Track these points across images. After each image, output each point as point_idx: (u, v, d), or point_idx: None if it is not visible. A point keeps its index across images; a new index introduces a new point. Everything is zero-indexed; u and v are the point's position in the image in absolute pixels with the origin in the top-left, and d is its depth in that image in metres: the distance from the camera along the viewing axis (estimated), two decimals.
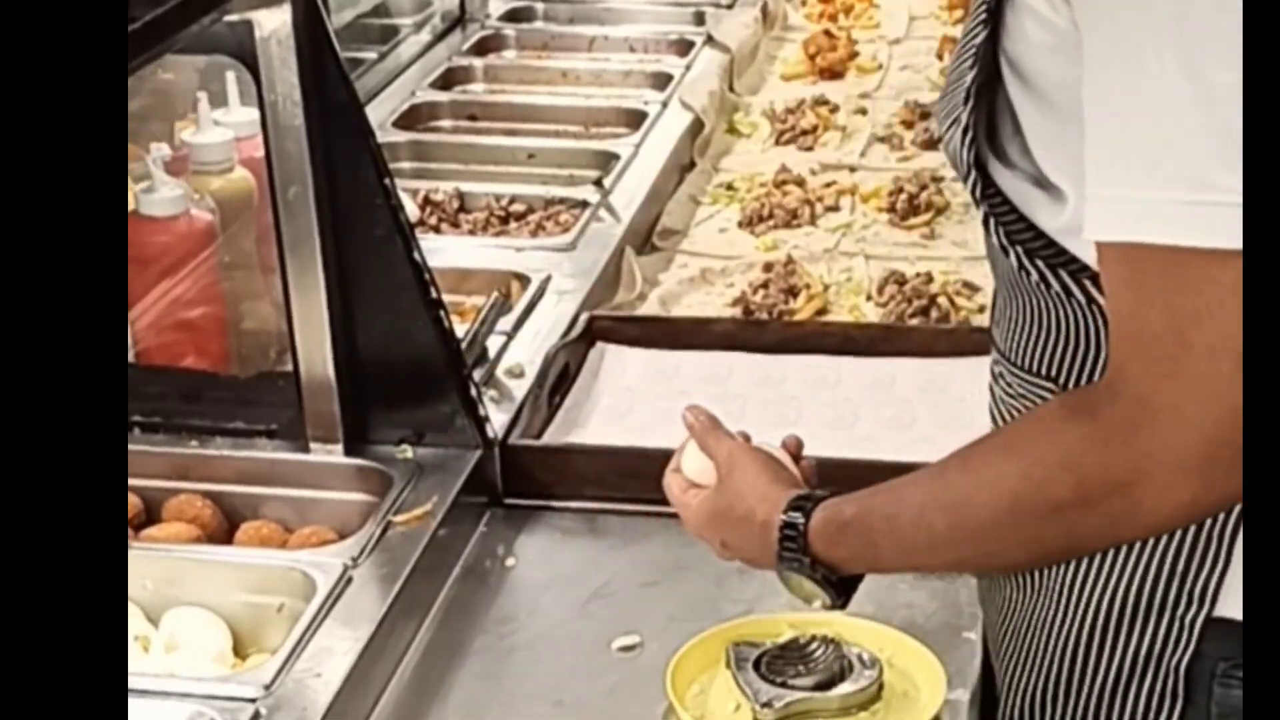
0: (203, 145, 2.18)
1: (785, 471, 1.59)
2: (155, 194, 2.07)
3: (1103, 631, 1.47)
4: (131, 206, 2.09)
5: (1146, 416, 1.25)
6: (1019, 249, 1.42)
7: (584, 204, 2.70)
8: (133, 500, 1.92)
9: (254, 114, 1.93)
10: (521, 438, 2.02)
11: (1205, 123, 1.20)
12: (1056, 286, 1.41)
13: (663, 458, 1.96)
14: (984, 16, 1.38)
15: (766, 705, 1.55)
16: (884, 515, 1.46)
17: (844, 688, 1.57)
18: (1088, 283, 1.38)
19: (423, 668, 1.72)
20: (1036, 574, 1.51)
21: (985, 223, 1.44)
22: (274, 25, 1.80)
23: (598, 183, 2.76)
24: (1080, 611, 1.48)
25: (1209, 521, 1.39)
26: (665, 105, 3.12)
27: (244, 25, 1.80)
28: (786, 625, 1.65)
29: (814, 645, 1.60)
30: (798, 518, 1.49)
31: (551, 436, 2.07)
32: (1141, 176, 1.22)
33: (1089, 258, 1.35)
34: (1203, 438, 1.23)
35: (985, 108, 1.41)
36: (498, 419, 2.01)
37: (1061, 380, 1.44)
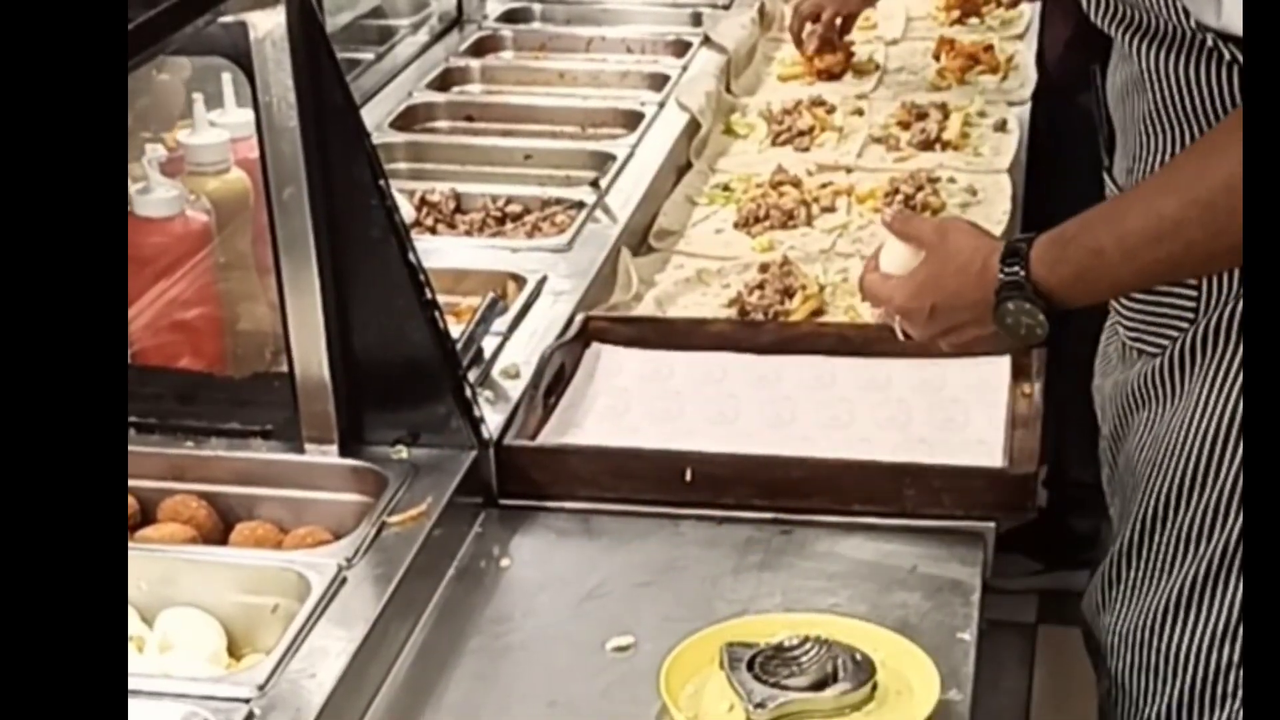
0: (198, 146, 2.18)
1: None
2: (151, 195, 2.07)
3: (1229, 435, 1.63)
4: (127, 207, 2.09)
5: None
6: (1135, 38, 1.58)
7: (580, 205, 2.70)
8: (128, 500, 1.92)
9: (249, 115, 1.93)
10: (517, 438, 2.02)
11: None
12: (1187, 30, 1.54)
13: (658, 458, 1.97)
14: None
15: (760, 706, 1.55)
16: (1108, 218, 1.58)
17: (837, 688, 1.58)
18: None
19: (417, 668, 1.72)
20: (1177, 385, 1.67)
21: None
22: (269, 26, 1.80)
23: (594, 183, 2.76)
24: (1210, 416, 1.65)
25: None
26: (662, 106, 3.12)
27: (239, 26, 1.80)
28: (780, 626, 1.65)
29: (807, 646, 1.60)
30: (1021, 245, 1.63)
31: (547, 437, 2.07)
32: None
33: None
34: None
35: None
36: (493, 419, 2.01)
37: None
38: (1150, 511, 1.71)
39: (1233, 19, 1.49)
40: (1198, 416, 1.68)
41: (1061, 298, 1.63)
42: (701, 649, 1.64)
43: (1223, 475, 1.66)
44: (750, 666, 1.59)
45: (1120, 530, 1.77)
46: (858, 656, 1.61)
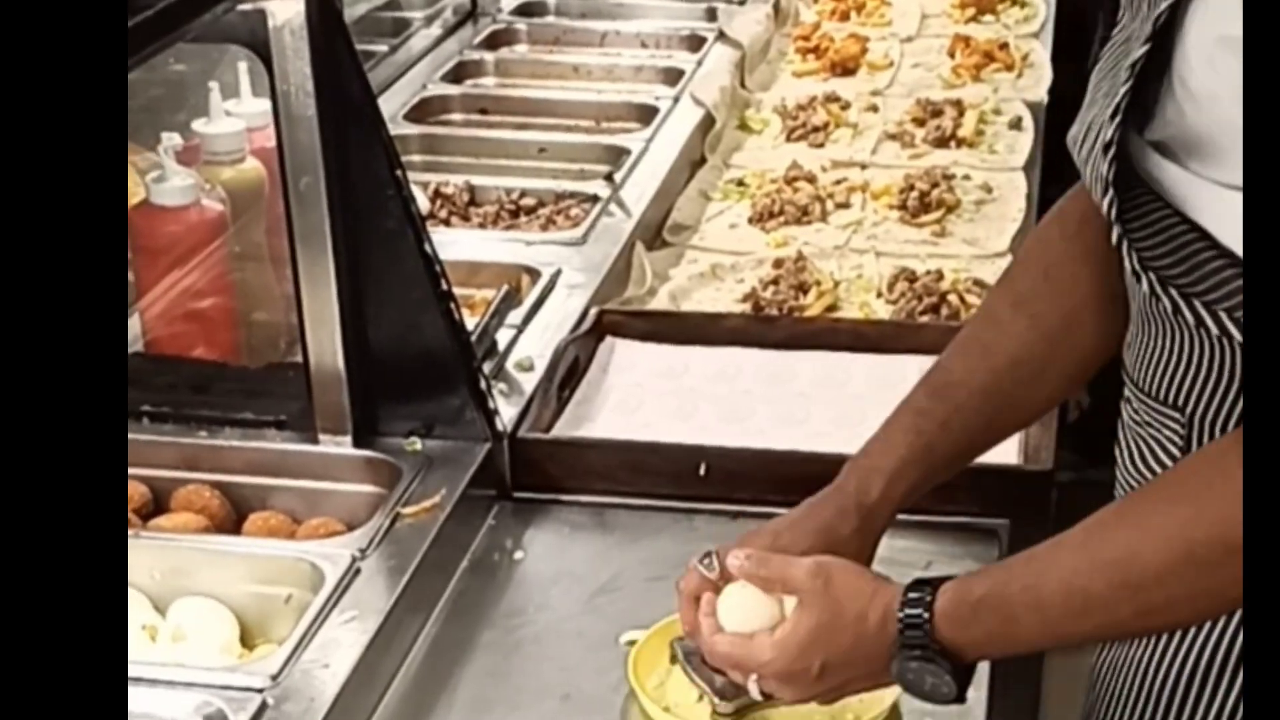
0: (214, 135, 2.18)
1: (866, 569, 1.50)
2: (166, 183, 2.07)
3: (1210, 677, 1.43)
4: (142, 196, 2.09)
5: None
6: (1152, 275, 1.33)
7: (594, 198, 2.70)
8: (141, 490, 1.92)
9: (266, 104, 1.92)
10: (530, 431, 2.01)
11: None
12: (1189, 316, 1.33)
13: (673, 453, 1.97)
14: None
15: (724, 698, 1.55)
16: (1024, 586, 1.36)
17: None
18: (1223, 315, 1.32)
19: (430, 660, 1.72)
20: None
21: (1119, 246, 1.35)
22: (287, 15, 1.79)
23: (608, 177, 2.75)
24: (1185, 656, 1.45)
25: None
26: (676, 101, 3.12)
27: (257, 14, 1.79)
28: None
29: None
30: (919, 606, 1.40)
31: (560, 430, 2.06)
32: None
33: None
34: None
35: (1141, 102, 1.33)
36: (507, 412, 2.01)
37: (1189, 410, 1.40)
38: None
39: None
40: (1166, 656, 1.48)
41: (973, 657, 1.42)
42: (660, 640, 1.63)
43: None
44: (705, 659, 1.54)
45: None
46: None
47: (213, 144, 2.18)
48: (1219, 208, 1.29)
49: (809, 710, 1.56)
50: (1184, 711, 1.46)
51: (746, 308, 2.43)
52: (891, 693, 1.56)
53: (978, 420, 1.60)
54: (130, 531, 1.81)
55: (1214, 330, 1.34)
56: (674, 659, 1.61)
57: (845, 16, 3.71)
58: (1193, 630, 1.43)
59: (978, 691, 1.63)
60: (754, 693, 1.49)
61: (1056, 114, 3.28)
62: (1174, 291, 1.33)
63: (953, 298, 2.41)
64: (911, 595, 1.41)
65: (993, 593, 1.38)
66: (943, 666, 1.40)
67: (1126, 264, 1.36)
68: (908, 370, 2.16)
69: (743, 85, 3.31)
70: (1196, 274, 1.33)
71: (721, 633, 1.50)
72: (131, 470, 1.90)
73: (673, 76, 3.27)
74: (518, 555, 1.88)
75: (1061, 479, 1.96)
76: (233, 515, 1.92)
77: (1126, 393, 1.48)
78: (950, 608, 1.39)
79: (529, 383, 2.11)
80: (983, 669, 1.66)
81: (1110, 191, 1.33)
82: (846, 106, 3.19)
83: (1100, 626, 1.39)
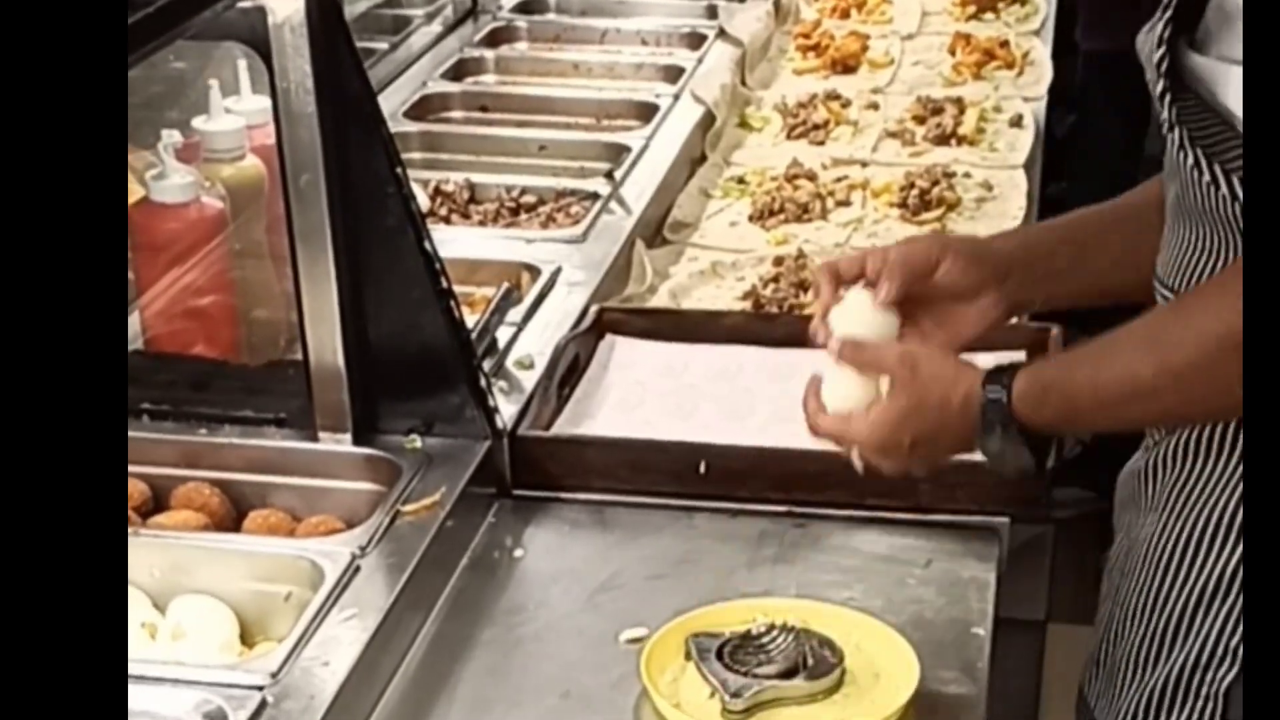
0: (214, 133, 2.17)
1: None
2: (166, 181, 2.07)
3: (1196, 546, 1.58)
4: (142, 193, 2.08)
5: None
6: (1184, 131, 1.49)
7: (595, 196, 2.70)
8: (141, 487, 1.92)
9: (266, 102, 1.92)
10: (531, 429, 2.01)
11: None
12: (1206, 175, 1.48)
13: (673, 450, 1.97)
14: None
15: (736, 695, 1.56)
16: (1087, 374, 1.56)
17: (808, 674, 1.58)
18: (1234, 179, 1.46)
19: (430, 658, 1.72)
20: (1150, 489, 1.62)
21: (1161, 99, 1.51)
22: (287, 12, 1.79)
23: (608, 175, 2.75)
24: (1178, 526, 1.59)
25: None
26: (677, 98, 3.12)
27: (257, 11, 1.79)
28: (746, 614, 1.66)
29: (773, 634, 1.60)
30: (999, 388, 1.57)
31: (561, 428, 2.06)
32: None
33: None
34: None
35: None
36: (507, 410, 2.01)
37: None
38: (1125, 613, 1.66)
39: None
40: (1166, 526, 1.62)
41: (1047, 434, 1.60)
42: (676, 637, 1.64)
43: (1186, 588, 1.60)
44: (720, 656, 1.60)
45: (1103, 615, 1.73)
46: (825, 643, 1.61)
47: (212, 141, 2.17)
48: (1236, 85, 1.45)
49: (817, 710, 1.58)
50: (1175, 578, 1.60)
51: (747, 305, 2.43)
52: (902, 693, 1.58)
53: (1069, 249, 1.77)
54: (130, 529, 1.81)
55: (1225, 192, 1.49)
56: (688, 655, 1.62)
57: (846, 14, 3.71)
58: (1184, 504, 1.58)
59: (977, 688, 1.64)
60: (856, 464, 1.67)
61: (1056, 112, 3.28)
62: (1199, 150, 1.49)
63: None
64: (992, 378, 1.59)
65: (1059, 378, 1.59)
66: (1022, 440, 1.58)
67: (1165, 118, 1.51)
68: None
69: (743, 83, 3.31)
70: (1220, 146, 1.49)
71: (824, 412, 1.68)
72: (131, 468, 1.90)
73: (673, 74, 3.27)
74: (518, 553, 1.88)
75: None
76: (232, 513, 1.92)
77: (1158, 300, 1.61)
78: (1025, 389, 1.57)
79: (529, 380, 2.11)
80: (982, 667, 1.67)
81: (1160, 74, 1.50)
82: (847, 104, 3.19)
83: (1150, 413, 1.58)
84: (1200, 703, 1.58)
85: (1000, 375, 1.58)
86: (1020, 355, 2.14)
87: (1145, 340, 1.52)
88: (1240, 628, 1.54)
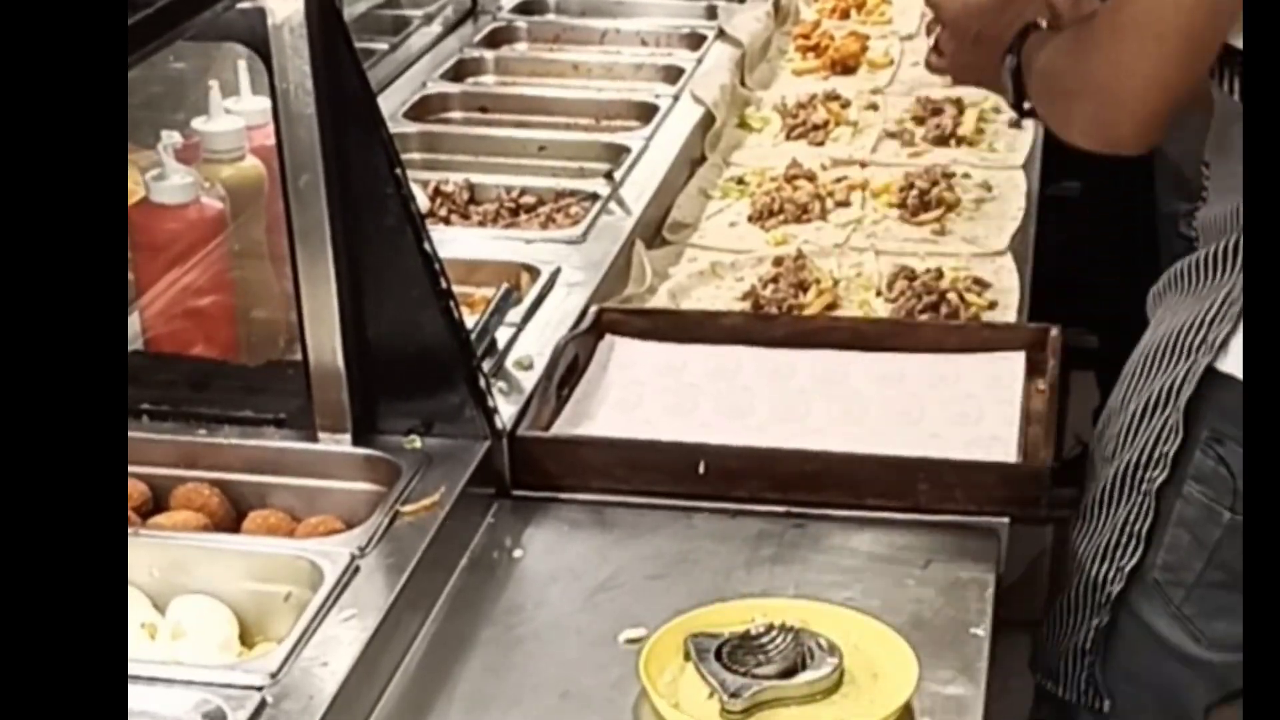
0: (213, 133, 2.17)
1: None
2: (165, 181, 2.07)
3: (1146, 364, 1.93)
4: (142, 194, 2.09)
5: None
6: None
7: (594, 196, 2.70)
8: (140, 488, 1.92)
9: (265, 102, 1.92)
10: (530, 429, 2.01)
11: None
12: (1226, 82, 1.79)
13: (672, 450, 1.97)
14: None
15: (735, 695, 1.56)
16: (1035, 53, 2.03)
17: (807, 675, 1.59)
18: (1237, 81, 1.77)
19: (429, 658, 1.72)
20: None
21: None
22: (287, 12, 1.79)
23: (608, 175, 2.75)
24: (1141, 347, 1.95)
25: (1229, 288, 1.83)
26: (676, 99, 3.12)
27: (256, 12, 1.79)
28: (745, 614, 1.66)
29: (772, 634, 1.61)
30: (1023, 36, 2.08)
31: (560, 428, 2.06)
32: None
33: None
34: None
35: None
36: (506, 410, 2.01)
37: None
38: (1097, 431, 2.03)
39: None
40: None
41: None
42: (675, 637, 1.64)
43: (1136, 398, 1.93)
44: (719, 656, 1.60)
45: None
46: (823, 642, 1.62)
47: (212, 142, 2.18)
48: None
49: (816, 710, 1.58)
50: (1130, 391, 1.95)
51: (746, 306, 2.43)
52: (900, 693, 1.58)
53: None
54: (129, 529, 1.81)
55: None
56: (687, 655, 1.62)
57: (845, 14, 3.71)
58: (1092, 514, 1.98)
59: (976, 688, 1.64)
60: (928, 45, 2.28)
61: None
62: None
63: (952, 296, 2.41)
64: (1019, 35, 2.08)
65: (1030, 46, 2.06)
66: (1016, 82, 2.08)
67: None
68: (907, 368, 2.17)
69: (743, 83, 3.31)
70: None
71: None
72: (131, 468, 1.90)
73: (673, 74, 3.27)
74: (517, 553, 1.88)
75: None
76: (232, 513, 1.92)
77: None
78: (1026, 47, 2.06)
79: (528, 381, 2.11)
80: (981, 667, 1.67)
81: None
82: (846, 105, 3.19)
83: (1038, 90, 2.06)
84: (1140, 497, 1.93)
85: (1027, 33, 2.08)
86: (1020, 355, 2.16)
87: (1060, 48, 1.95)
88: (1175, 436, 1.87)
